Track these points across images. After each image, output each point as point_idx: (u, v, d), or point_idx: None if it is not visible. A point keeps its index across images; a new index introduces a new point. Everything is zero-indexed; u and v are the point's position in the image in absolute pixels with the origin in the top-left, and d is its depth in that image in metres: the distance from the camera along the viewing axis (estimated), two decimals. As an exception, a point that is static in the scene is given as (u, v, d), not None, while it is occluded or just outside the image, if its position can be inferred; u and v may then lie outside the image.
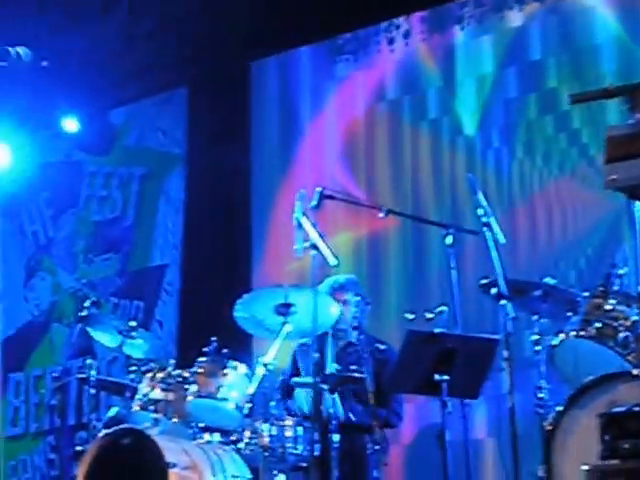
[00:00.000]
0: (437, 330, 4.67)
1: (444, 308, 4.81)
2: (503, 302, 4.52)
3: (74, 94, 7.65)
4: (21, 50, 3.31)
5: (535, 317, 4.73)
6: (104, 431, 5.47)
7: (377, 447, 5.19)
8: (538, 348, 4.66)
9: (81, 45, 7.11)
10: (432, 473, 5.85)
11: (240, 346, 5.90)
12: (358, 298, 5.49)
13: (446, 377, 4.60)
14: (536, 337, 4.69)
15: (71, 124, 7.93)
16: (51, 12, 6.89)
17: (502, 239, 4.67)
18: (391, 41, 7.06)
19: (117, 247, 7.99)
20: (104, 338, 6.17)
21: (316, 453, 5.05)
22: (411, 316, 5.04)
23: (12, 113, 6.89)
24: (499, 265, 4.57)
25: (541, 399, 4.61)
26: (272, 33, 7.15)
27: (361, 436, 5.32)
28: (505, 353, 4.51)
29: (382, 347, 5.56)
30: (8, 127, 7.13)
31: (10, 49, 3.25)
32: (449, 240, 4.86)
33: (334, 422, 5.09)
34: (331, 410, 5.14)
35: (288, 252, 6.71)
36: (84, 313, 6.11)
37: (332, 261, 5.07)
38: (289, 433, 5.19)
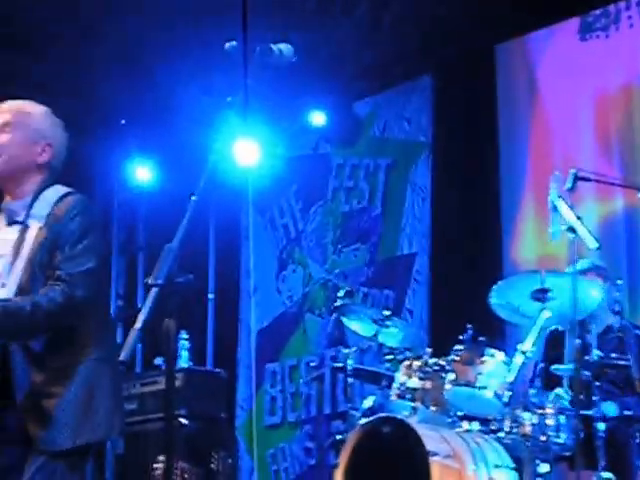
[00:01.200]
0: None
1: None
2: None
3: (320, 88, 7.77)
4: (284, 47, 3.34)
5: None
6: (363, 420, 5.52)
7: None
8: None
9: (326, 39, 7.20)
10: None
11: (493, 333, 5.82)
12: (607, 283, 5.33)
13: None
14: None
15: (318, 118, 8.08)
16: (297, 9, 7.01)
17: None
18: (645, 14, 6.78)
19: (365, 237, 8.04)
20: (359, 327, 6.23)
21: (580, 442, 4.93)
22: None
23: (261, 109, 7.04)
24: None
25: None
26: (517, 13, 7.00)
27: (628, 425, 5.14)
28: None
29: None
30: (257, 123, 7.31)
31: (274, 46, 3.29)
32: None
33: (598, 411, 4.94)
34: (594, 398, 4.99)
35: (541, 236, 6.60)
36: (338, 303, 6.20)
37: (592, 244, 4.91)
38: (551, 422, 5.08)
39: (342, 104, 8.06)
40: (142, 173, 9.13)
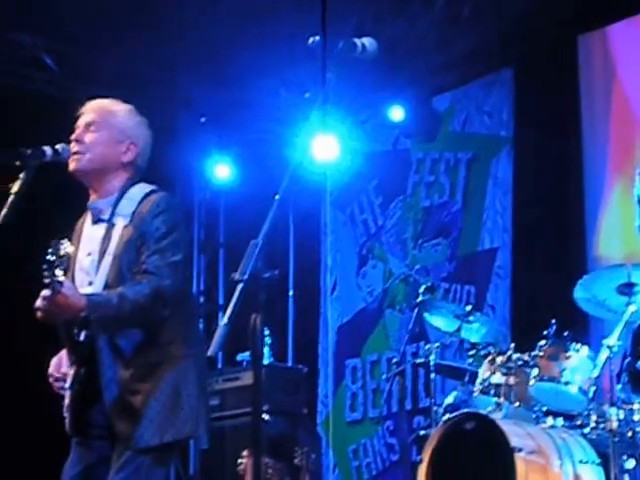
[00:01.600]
0: None
1: None
2: None
3: (399, 83, 7.74)
4: (367, 41, 3.32)
5: None
6: (446, 416, 5.50)
7: None
8: None
9: (404, 33, 7.16)
10: None
11: (577, 328, 5.75)
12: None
13: None
14: None
15: (397, 113, 8.04)
16: (375, 2, 6.99)
17: None
18: None
19: (446, 232, 7.99)
20: (441, 323, 6.21)
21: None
22: None
23: (340, 104, 7.04)
24: None
25: None
26: (599, 4, 6.90)
27: None
28: None
29: None
30: (336, 119, 7.30)
31: (357, 40, 3.28)
32: None
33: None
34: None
35: (626, 232, 6.49)
36: (420, 299, 6.18)
37: (680, 237, 4.83)
38: (638, 417, 5.01)
39: (421, 99, 8.01)
40: (222, 171, 9.18)
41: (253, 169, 8.80)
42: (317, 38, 3.25)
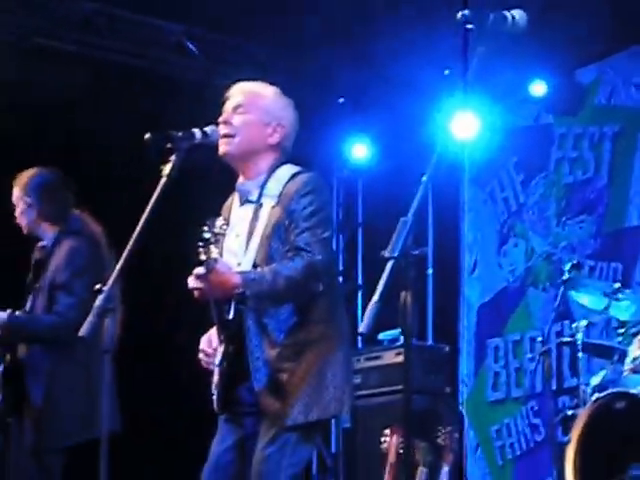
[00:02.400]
0: None
1: None
2: None
3: (541, 57, 7.58)
4: (517, 13, 3.26)
5: None
6: (595, 395, 5.40)
7: None
8: None
9: (547, 4, 6.99)
10: None
11: None
12: None
13: None
14: None
15: (539, 87, 7.88)
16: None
17: None
18: None
19: (591, 209, 7.80)
20: (588, 301, 6.08)
21: None
22: None
23: (481, 80, 6.92)
24: None
25: None
26: None
27: None
28: None
29: None
30: (477, 95, 7.19)
31: (507, 13, 3.22)
32: None
33: None
34: None
35: None
36: (566, 277, 6.06)
37: None
38: None
39: (564, 72, 7.83)
40: (360, 150, 9.18)
41: (391, 148, 8.76)
42: (466, 12, 3.20)
